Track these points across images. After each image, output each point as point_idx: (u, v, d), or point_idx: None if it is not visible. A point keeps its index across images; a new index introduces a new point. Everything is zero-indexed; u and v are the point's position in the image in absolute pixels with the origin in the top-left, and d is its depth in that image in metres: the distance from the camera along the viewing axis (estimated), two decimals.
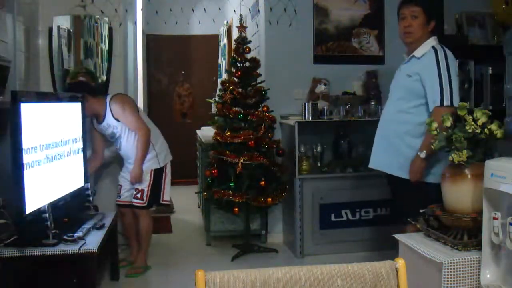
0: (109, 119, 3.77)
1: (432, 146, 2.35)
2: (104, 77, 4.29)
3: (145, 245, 3.92)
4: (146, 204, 3.86)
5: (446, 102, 2.73)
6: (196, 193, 5.70)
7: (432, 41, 2.91)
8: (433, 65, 2.81)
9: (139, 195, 3.84)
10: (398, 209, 3.13)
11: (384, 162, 3.02)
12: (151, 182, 3.86)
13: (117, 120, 3.76)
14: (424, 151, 2.76)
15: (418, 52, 2.91)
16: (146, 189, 3.84)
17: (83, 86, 3.82)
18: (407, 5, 2.97)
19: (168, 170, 4.00)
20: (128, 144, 3.82)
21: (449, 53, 2.86)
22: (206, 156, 4.62)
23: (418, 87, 2.86)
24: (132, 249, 4.02)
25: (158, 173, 3.91)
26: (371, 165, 3.13)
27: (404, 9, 2.97)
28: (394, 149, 2.95)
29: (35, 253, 2.70)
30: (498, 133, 2.11)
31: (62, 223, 2.96)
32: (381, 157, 3.04)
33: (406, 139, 2.90)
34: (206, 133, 5.24)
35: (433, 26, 2.94)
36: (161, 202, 4.00)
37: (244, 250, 4.29)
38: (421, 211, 2.74)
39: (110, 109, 3.75)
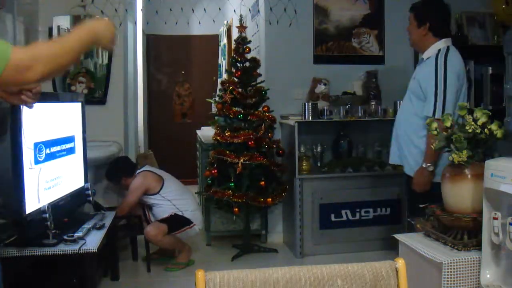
0: None
1: (432, 146, 2.36)
2: (103, 77, 4.29)
3: (173, 246, 4.00)
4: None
5: (438, 115, 2.77)
6: (196, 193, 5.69)
7: (440, 44, 2.93)
8: (432, 71, 2.85)
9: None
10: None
11: (398, 160, 3.12)
12: (167, 217, 3.93)
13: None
14: (429, 164, 2.81)
15: (425, 55, 2.99)
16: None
17: (121, 170, 4.00)
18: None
19: (193, 233, 4.05)
20: (156, 212, 4.02)
21: (451, 57, 2.87)
22: (206, 156, 4.62)
23: (418, 90, 2.93)
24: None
25: (179, 219, 3.94)
26: (391, 161, 3.23)
27: None
28: (404, 148, 3.03)
29: (35, 253, 2.69)
30: (498, 133, 2.11)
31: (62, 223, 2.95)
32: (395, 154, 3.14)
33: (414, 139, 2.96)
34: (206, 133, 5.24)
35: (427, 28, 2.95)
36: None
37: (244, 250, 4.29)
38: (421, 206, 2.76)
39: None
